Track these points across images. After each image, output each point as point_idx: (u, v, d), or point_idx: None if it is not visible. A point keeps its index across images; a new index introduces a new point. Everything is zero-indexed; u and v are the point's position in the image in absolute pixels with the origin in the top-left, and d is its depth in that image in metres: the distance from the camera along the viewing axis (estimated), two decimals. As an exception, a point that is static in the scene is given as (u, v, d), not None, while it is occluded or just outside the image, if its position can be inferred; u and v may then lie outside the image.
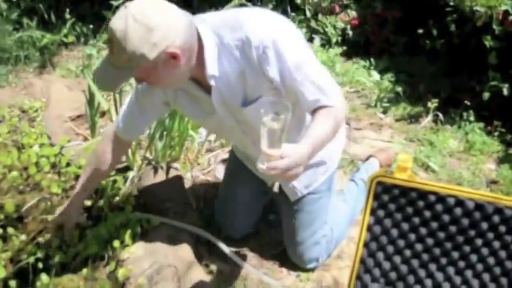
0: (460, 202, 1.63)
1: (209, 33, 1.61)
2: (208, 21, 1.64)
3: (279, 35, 1.58)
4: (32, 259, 1.97)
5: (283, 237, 2.28)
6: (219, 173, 2.71)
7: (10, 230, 2.12)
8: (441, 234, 1.69)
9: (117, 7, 4.09)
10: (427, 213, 1.68)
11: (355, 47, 4.59)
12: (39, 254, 2.01)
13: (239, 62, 1.62)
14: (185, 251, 2.07)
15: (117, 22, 1.45)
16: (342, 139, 2.19)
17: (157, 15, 1.45)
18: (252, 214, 2.38)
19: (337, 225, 2.30)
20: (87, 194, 2.09)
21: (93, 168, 2.02)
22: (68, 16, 4.17)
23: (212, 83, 1.65)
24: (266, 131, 1.37)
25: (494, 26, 3.27)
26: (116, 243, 2.00)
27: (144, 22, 1.43)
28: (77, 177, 2.49)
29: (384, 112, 3.60)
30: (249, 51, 1.58)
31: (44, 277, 1.93)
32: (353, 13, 4.70)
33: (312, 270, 2.25)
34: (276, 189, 2.40)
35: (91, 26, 4.31)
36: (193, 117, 1.99)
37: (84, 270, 1.97)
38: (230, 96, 1.70)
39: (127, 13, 1.44)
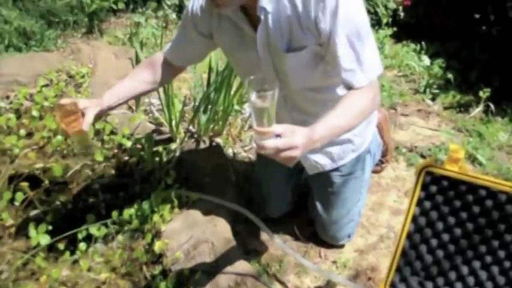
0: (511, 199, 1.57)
1: None
2: None
3: None
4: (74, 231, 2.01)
5: (313, 216, 2.26)
6: (261, 151, 2.69)
7: (53, 195, 2.15)
8: (489, 232, 1.64)
9: (167, -22, 4.12)
10: (476, 208, 1.63)
11: (406, 29, 4.47)
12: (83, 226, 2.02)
13: (296, 6, 1.57)
14: (223, 227, 2.06)
15: None
16: (373, 120, 2.14)
17: None
18: (285, 192, 2.35)
19: None
20: (116, 100, 1.86)
21: (132, 77, 1.94)
22: (118, -18, 4.18)
23: (262, 16, 1.61)
24: (253, 108, 1.33)
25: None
26: (156, 217, 2.01)
27: None
28: (120, 145, 2.51)
29: (433, 99, 3.51)
30: None
31: (81, 244, 1.97)
32: (406, -7, 4.57)
33: (348, 255, 2.23)
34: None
35: (141, -6, 4.30)
36: (230, 51, 1.91)
37: (120, 238, 1.99)
38: (276, 36, 1.64)
39: None
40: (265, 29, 1.64)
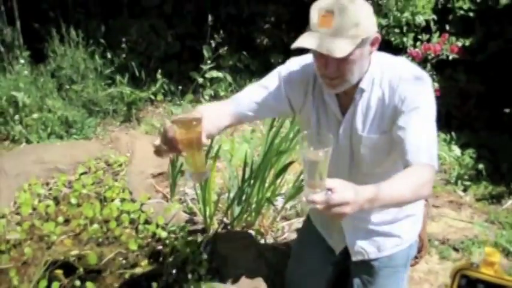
0: (549, 304, 1.55)
1: (376, 57, 1.70)
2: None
3: (426, 85, 1.64)
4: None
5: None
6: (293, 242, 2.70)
7: (89, 284, 2.19)
8: (525, 335, 1.61)
9: (205, 71, 4.29)
10: (512, 311, 1.61)
11: (436, 119, 4.51)
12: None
13: (384, 94, 1.67)
14: (255, 323, 2.05)
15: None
16: (421, 218, 2.14)
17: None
18: (319, 284, 2.33)
19: None
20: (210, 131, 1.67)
21: (213, 117, 1.72)
22: (158, 76, 4.37)
23: (357, 97, 1.70)
24: (305, 162, 1.31)
25: None
26: (189, 311, 2.02)
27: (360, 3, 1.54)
28: (153, 235, 2.56)
29: (464, 190, 3.50)
30: (397, 87, 1.64)
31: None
32: (435, 84, 4.65)
33: None
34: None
35: (179, 87, 4.44)
36: (311, 126, 1.88)
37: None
38: (361, 118, 1.72)
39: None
40: (354, 110, 1.72)
